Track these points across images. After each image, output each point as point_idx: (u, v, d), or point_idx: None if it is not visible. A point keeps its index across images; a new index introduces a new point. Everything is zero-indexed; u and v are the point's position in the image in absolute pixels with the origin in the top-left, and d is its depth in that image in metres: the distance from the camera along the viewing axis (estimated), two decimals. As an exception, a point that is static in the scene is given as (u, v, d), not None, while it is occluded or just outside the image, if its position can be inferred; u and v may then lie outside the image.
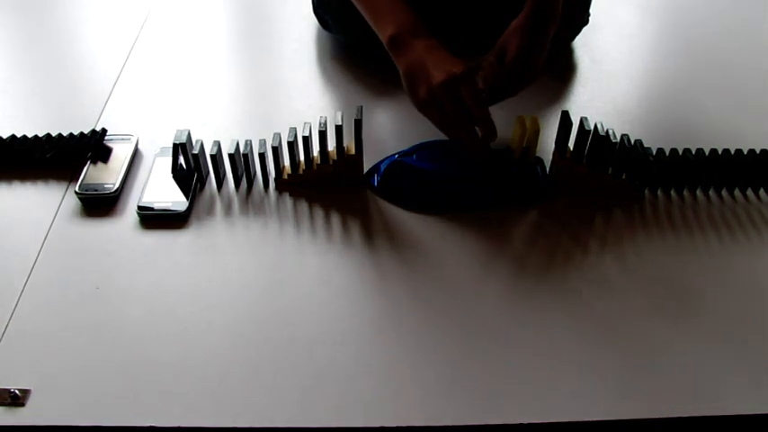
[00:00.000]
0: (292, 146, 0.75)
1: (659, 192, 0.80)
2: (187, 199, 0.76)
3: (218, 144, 0.79)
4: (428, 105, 0.75)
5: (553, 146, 0.78)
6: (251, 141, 0.79)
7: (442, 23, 0.84)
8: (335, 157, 0.77)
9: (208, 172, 0.80)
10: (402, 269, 0.70)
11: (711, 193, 0.81)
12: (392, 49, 0.77)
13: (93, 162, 0.80)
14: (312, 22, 1.08)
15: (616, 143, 0.75)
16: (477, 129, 0.75)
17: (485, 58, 0.81)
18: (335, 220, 0.76)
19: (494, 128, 0.74)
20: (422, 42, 0.76)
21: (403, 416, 0.58)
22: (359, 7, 0.83)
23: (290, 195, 0.79)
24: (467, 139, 0.75)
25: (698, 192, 0.80)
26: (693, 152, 0.79)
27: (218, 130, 0.87)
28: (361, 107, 0.74)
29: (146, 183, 0.78)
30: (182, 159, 0.79)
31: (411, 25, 0.77)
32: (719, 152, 0.79)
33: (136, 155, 0.83)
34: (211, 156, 0.78)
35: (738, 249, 0.74)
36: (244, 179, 0.81)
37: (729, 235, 0.75)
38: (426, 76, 0.73)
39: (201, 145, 0.78)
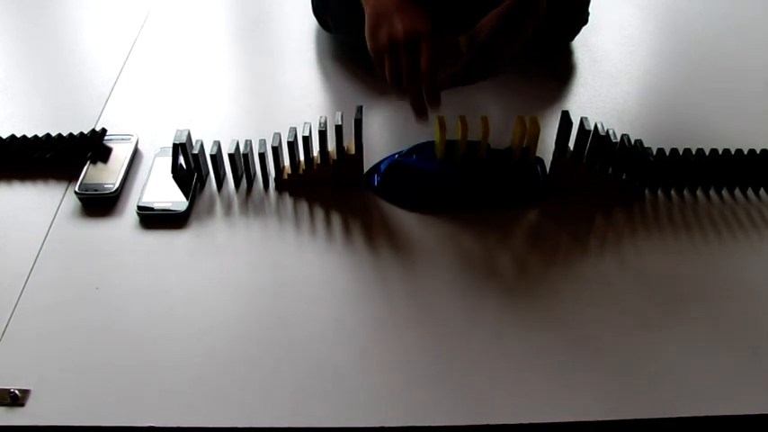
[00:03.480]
0: (292, 146, 0.75)
1: (659, 192, 0.80)
2: (187, 199, 0.76)
3: (218, 144, 0.79)
4: (384, 52, 0.74)
5: (553, 146, 0.78)
6: (251, 141, 0.79)
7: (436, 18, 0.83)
8: (335, 157, 0.77)
9: (208, 172, 0.80)
10: (402, 269, 0.70)
11: (711, 193, 0.81)
12: None
13: (93, 162, 0.80)
14: (312, 22, 1.08)
15: (616, 143, 0.75)
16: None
17: (456, 38, 0.79)
18: (335, 220, 0.76)
19: (437, 96, 0.72)
20: None
21: (403, 416, 0.58)
22: None
23: (290, 195, 0.79)
24: (410, 96, 0.73)
25: (698, 192, 0.80)
26: (693, 152, 0.79)
27: (219, 130, 0.87)
28: (361, 107, 0.74)
29: (146, 183, 0.78)
30: (182, 159, 0.79)
31: None
32: (719, 152, 0.79)
33: (136, 155, 0.83)
34: (211, 156, 0.78)
35: (738, 249, 0.74)
36: (244, 179, 0.81)
37: (729, 235, 0.75)
38: (391, 23, 0.73)
39: (201, 145, 0.78)
